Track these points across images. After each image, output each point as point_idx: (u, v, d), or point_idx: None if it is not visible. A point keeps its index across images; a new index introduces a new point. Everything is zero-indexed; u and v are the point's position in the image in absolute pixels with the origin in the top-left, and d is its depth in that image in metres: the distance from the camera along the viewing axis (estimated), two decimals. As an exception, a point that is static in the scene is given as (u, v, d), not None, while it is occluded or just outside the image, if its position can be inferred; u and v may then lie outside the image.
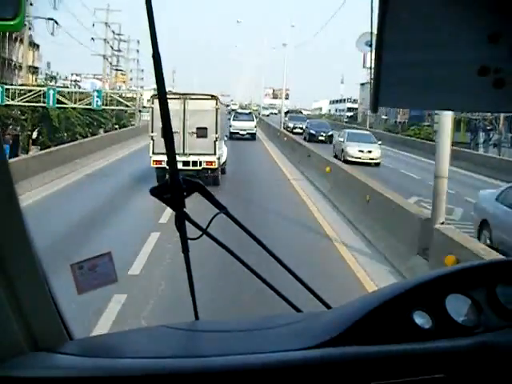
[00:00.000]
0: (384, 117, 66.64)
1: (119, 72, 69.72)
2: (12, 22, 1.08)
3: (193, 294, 1.66)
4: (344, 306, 1.43)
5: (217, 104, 16.87)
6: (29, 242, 1.16)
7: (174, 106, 15.09)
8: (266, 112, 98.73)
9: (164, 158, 11.21)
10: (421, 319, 1.32)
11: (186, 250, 1.59)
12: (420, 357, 1.28)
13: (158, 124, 13.43)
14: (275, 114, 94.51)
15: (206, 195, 1.55)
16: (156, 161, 15.86)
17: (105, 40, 57.09)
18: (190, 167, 16.05)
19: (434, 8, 0.99)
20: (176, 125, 14.85)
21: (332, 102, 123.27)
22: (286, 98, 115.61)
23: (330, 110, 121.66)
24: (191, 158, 16.27)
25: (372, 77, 1.02)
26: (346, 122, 76.72)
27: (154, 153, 16.01)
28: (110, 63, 54.20)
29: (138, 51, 67.48)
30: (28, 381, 1.13)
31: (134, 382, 1.17)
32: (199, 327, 1.59)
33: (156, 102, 15.15)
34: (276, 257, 1.63)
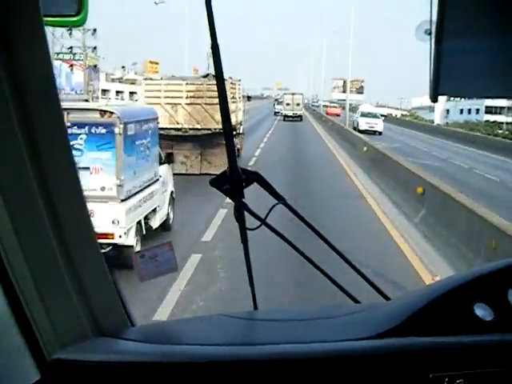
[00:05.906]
0: None
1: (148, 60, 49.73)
2: (75, 18, 1.12)
3: (252, 285, 1.66)
4: (403, 297, 1.41)
5: (302, 96, 63.74)
6: (92, 231, 1.20)
7: (289, 96, 60.02)
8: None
9: (281, 108, 62.94)
10: (482, 311, 1.29)
11: (245, 240, 1.58)
12: (480, 349, 1.25)
13: (284, 100, 61.32)
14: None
15: (264, 185, 1.54)
16: (276, 111, 65.92)
17: None
18: (293, 115, 57.26)
19: None
20: (290, 103, 58.50)
21: (451, 99, 67.48)
22: (360, 92, 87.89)
23: (447, 112, 77.80)
24: (294, 112, 57.89)
25: (431, 66, 1.00)
26: None
27: (276, 105, 68.91)
28: None
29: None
30: (91, 365, 1.17)
31: (194, 368, 1.19)
32: (258, 316, 1.60)
33: (285, 96, 61.91)
34: (335, 248, 1.61)
